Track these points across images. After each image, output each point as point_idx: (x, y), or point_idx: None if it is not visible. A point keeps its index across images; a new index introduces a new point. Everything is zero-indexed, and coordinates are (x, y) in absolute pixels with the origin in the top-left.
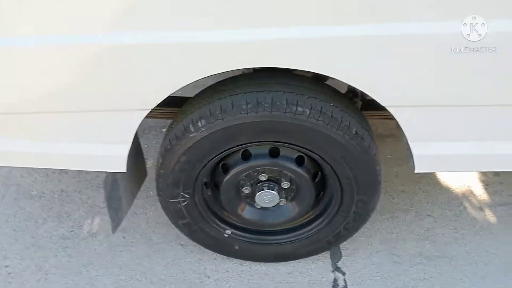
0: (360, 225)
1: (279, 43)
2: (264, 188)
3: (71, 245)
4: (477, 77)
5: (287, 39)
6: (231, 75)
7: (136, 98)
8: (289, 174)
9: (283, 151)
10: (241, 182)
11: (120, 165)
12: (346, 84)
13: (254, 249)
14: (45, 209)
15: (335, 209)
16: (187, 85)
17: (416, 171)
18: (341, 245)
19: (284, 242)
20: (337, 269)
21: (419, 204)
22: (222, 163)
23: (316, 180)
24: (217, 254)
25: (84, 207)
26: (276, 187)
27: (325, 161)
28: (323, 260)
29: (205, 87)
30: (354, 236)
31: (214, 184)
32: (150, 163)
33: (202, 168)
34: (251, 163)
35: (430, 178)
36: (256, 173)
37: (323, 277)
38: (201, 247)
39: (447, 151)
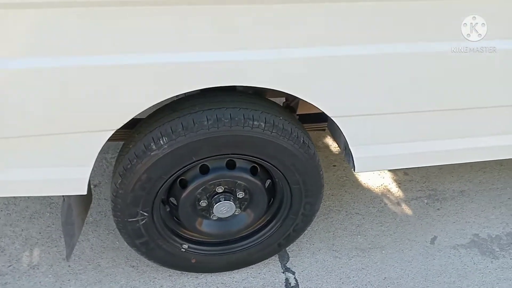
0: (307, 226)
1: (246, 64)
2: (221, 199)
3: (11, 280)
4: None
5: (253, 60)
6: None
7: (101, 120)
8: (243, 184)
9: (238, 163)
10: (198, 195)
11: (81, 188)
12: (282, 99)
13: (210, 261)
14: None
15: (285, 212)
16: (153, 105)
17: (356, 171)
18: (287, 248)
19: (238, 250)
20: (287, 269)
21: (347, 204)
22: (180, 178)
23: (267, 187)
24: (172, 270)
25: (19, 240)
26: (232, 197)
27: (277, 169)
28: (273, 263)
29: (158, 107)
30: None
31: (172, 200)
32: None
33: (162, 185)
34: (210, 176)
35: (353, 181)
36: (212, 186)
37: (275, 279)
38: (154, 265)
39: (382, 152)
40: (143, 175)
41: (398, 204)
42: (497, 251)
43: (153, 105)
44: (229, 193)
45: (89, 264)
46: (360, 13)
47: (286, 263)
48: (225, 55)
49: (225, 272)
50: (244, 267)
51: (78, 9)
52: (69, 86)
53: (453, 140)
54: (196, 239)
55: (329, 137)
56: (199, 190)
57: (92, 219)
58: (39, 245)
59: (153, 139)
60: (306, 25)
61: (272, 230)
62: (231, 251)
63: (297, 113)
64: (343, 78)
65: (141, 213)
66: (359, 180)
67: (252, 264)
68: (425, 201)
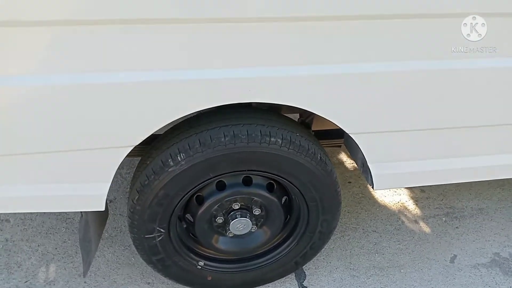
0: (324, 244)
1: (267, 80)
2: (237, 216)
3: None
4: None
5: (274, 77)
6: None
7: (121, 136)
8: (260, 200)
9: (255, 180)
10: (214, 212)
11: (99, 204)
12: (296, 115)
13: (226, 278)
14: None
15: (302, 230)
16: (172, 121)
17: (375, 188)
18: (303, 266)
19: (254, 268)
20: None
21: (364, 222)
22: (196, 195)
23: (283, 204)
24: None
25: (36, 255)
26: (248, 214)
27: (294, 186)
28: (289, 282)
29: (175, 124)
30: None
31: (188, 216)
32: None
33: (179, 201)
34: (226, 193)
35: (369, 198)
36: (229, 202)
37: None
38: (170, 282)
39: (401, 169)
40: (160, 191)
41: (416, 221)
42: None
43: (171, 122)
44: (246, 210)
45: (105, 281)
46: (381, 31)
47: (303, 282)
48: (245, 71)
49: None
50: (260, 285)
51: (99, 27)
52: (90, 103)
53: (475, 158)
54: (213, 256)
55: (343, 153)
56: (216, 207)
57: (107, 234)
58: (55, 260)
59: (170, 155)
60: (325, 43)
61: (288, 248)
62: (247, 269)
63: (312, 129)
64: (362, 95)
65: (157, 229)
66: (375, 197)
67: (269, 282)
68: (443, 219)
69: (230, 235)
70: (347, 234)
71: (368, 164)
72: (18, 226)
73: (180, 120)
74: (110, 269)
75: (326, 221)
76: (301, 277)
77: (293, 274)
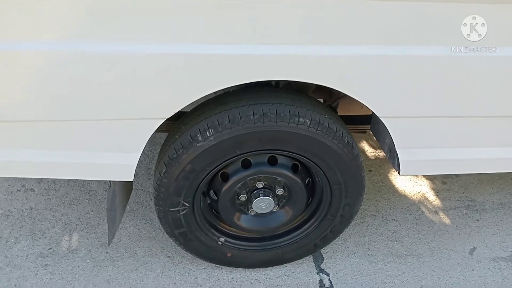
0: (344, 228)
1: (302, 59)
2: (260, 195)
3: (51, 262)
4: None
5: (308, 56)
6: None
7: (155, 107)
8: (283, 180)
9: (280, 159)
10: (238, 190)
11: (129, 174)
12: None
13: (245, 256)
14: (15, 228)
15: (324, 212)
16: (206, 95)
17: (401, 174)
18: (321, 249)
19: (274, 248)
20: (321, 271)
21: (383, 210)
22: (221, 172)
23: (306, 185)
24: (206, 263)
25: (59, 224)
26: (271, 194)
27: (319, 167)
28: (307, 263)
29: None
30: None
31: (212, 193)
32: None
33: (205, 176)
34: (251, 171)
35: (389, 187)
36: (253, 181)
37: (309, 279)
38: (189, 257)
39: (429, 156)
40: (187, 166)
41: (436, 212)
42: None
43: (201, 97)
44: (269, 189)
45: (126, 252)
46: (418, 14)
47: (321, 264)
48: (285, 49)
49: (258, 269)
50: (278, 265)
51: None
52: (127, 72)
53: (505, 149)
54: (233, 233)
55: (365, 141)
56: (240, 185)
57: (129, 208)
58: (78, 230)
59: (199, 130)
60: (362, 23)
61: (308, 230)
62: (267, 248)
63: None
64: (396, 78)
65: (182, 203)
66: (396, 186)
67: (286, 263)
68: (464, 211)
69: (252, 213)
70: (366, 221)
71: (396, 149)
72: (42, 195)
73: (211, 97)
74: (132, 241)
75: (348, 205)
76: (318, 260)
77: (311, 256)
